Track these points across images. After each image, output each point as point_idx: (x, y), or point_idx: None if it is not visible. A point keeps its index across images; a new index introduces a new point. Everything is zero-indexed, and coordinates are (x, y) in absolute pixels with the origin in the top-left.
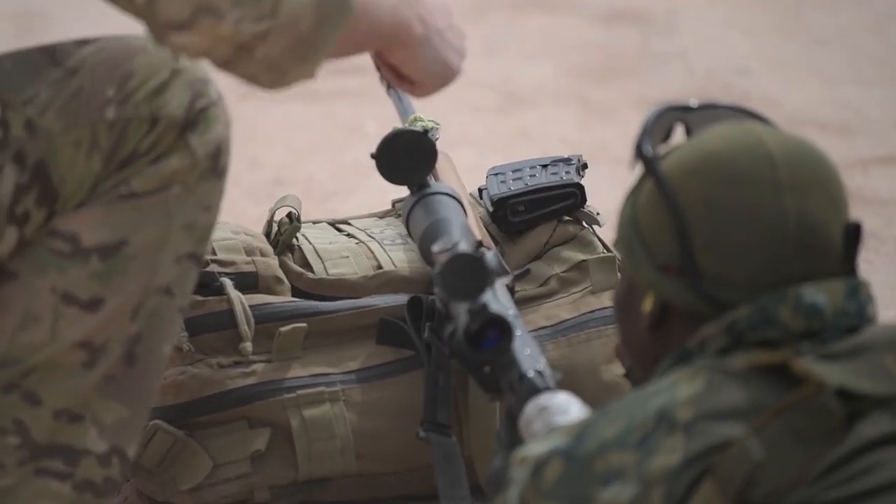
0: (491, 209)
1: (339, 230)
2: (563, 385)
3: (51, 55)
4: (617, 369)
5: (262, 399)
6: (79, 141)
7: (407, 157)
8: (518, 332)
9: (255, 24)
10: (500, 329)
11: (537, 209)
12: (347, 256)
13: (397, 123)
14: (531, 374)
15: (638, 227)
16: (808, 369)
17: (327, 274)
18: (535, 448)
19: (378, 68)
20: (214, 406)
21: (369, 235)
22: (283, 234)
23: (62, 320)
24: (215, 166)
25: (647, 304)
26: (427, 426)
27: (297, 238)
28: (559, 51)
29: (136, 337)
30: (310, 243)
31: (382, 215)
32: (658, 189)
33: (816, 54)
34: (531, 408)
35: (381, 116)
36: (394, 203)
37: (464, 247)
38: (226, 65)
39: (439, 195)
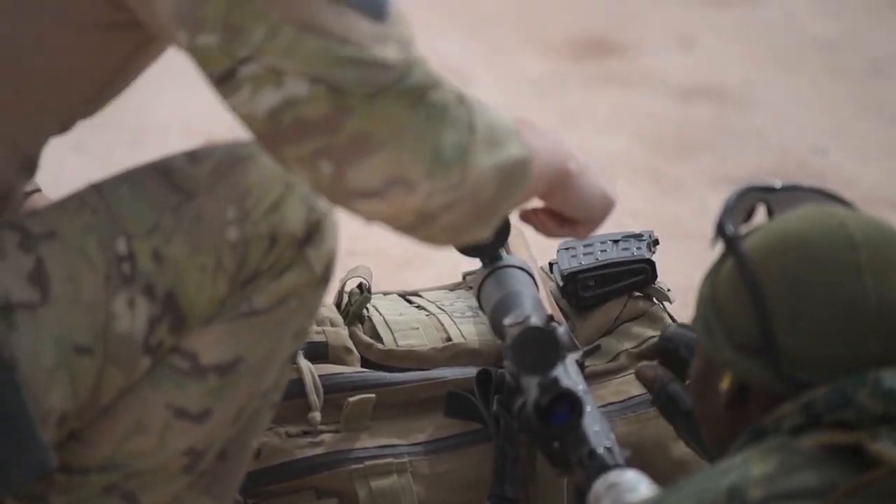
0: (561, 284)
1: (410, 302)
2: (631, 462)
3: (165, 177)
4: (685, 446)
5: (330, 469)
6: (204, 265)
7: None
8: (588, 408)
9: (444, 196)
10: (570, 404)
11: (608, 284)
12: (417, 328)
13: None
14: (600, 450)
15: (717, 305)
16: (883, 451)
17: (397, 345)
18: None
19: (531, 223)
20: (282, 475)
21: (439, 307)
22: (353, 305)
23: (171, 432)
24: (326, 275)
25: (725, 383)
26: (494, 500)
27: (367, 309)
28: (634, 125)
29: (233, 437)
30: (380, 314)
31: (453, 288)
32: (738, 268)
33: (893, 132)
34: (600, 484)
35: None
36: (464, 276)
37: (535, 320)
38: (406, 230)
39: (511, 268)
